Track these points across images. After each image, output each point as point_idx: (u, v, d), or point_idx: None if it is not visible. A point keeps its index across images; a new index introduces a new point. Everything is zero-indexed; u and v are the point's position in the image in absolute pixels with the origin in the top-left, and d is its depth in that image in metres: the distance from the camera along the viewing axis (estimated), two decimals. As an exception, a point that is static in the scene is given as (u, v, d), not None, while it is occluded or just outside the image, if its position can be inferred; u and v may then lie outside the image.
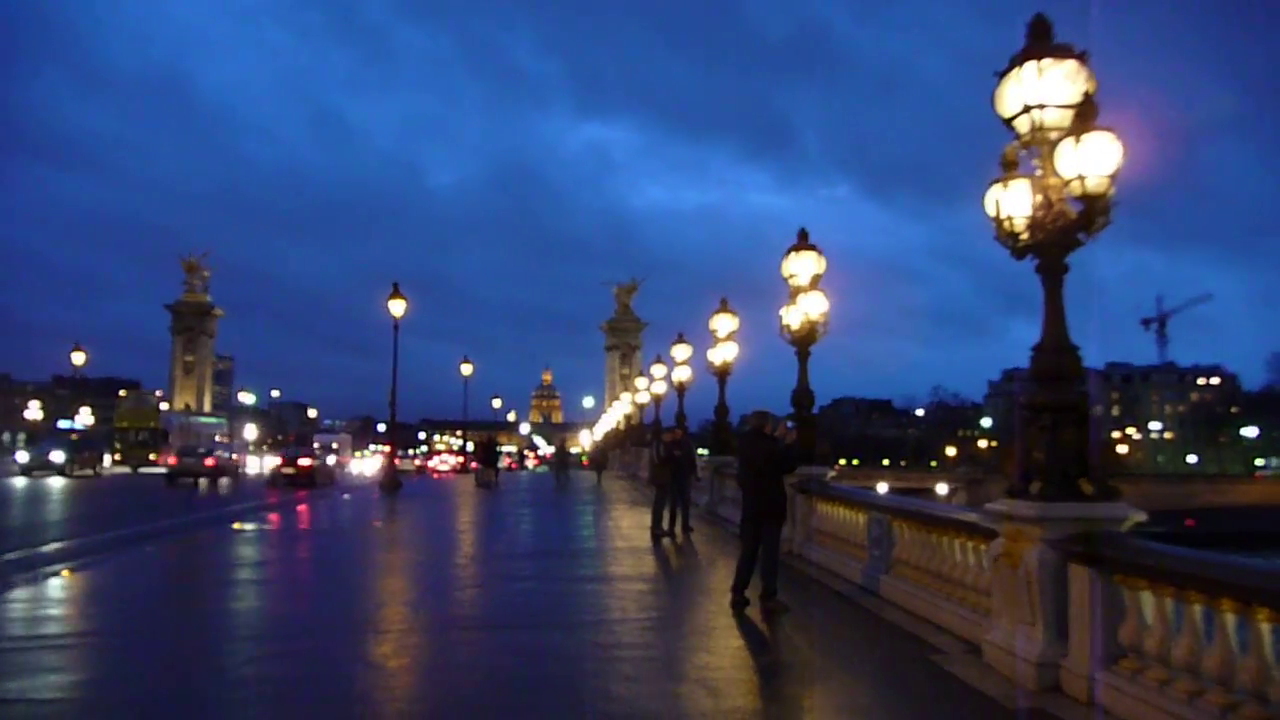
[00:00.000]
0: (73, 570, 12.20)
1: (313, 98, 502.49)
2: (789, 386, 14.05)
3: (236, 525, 18.83)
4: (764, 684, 7.17)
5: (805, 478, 12.82)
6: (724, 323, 22.24)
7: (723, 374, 22.48)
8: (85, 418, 76.53)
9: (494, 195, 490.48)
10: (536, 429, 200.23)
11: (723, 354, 22.37)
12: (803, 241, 14.31)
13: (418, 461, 76.64)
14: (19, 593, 10.45)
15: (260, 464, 60.44)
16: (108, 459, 49.73)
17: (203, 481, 35.77)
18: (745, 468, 10.00)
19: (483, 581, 12.54)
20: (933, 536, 8.87)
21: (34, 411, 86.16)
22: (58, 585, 11.22)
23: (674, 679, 6.90)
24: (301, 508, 24.82)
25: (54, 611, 9.93)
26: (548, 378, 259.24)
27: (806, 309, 13.84)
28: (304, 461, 35.56)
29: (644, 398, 48.38)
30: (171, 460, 37.84)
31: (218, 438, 48.75)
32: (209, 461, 37.59)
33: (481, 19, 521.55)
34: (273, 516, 21.61)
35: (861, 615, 9.38)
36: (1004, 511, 6.79)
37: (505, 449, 68.78)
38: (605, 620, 9.39)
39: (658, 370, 38.42)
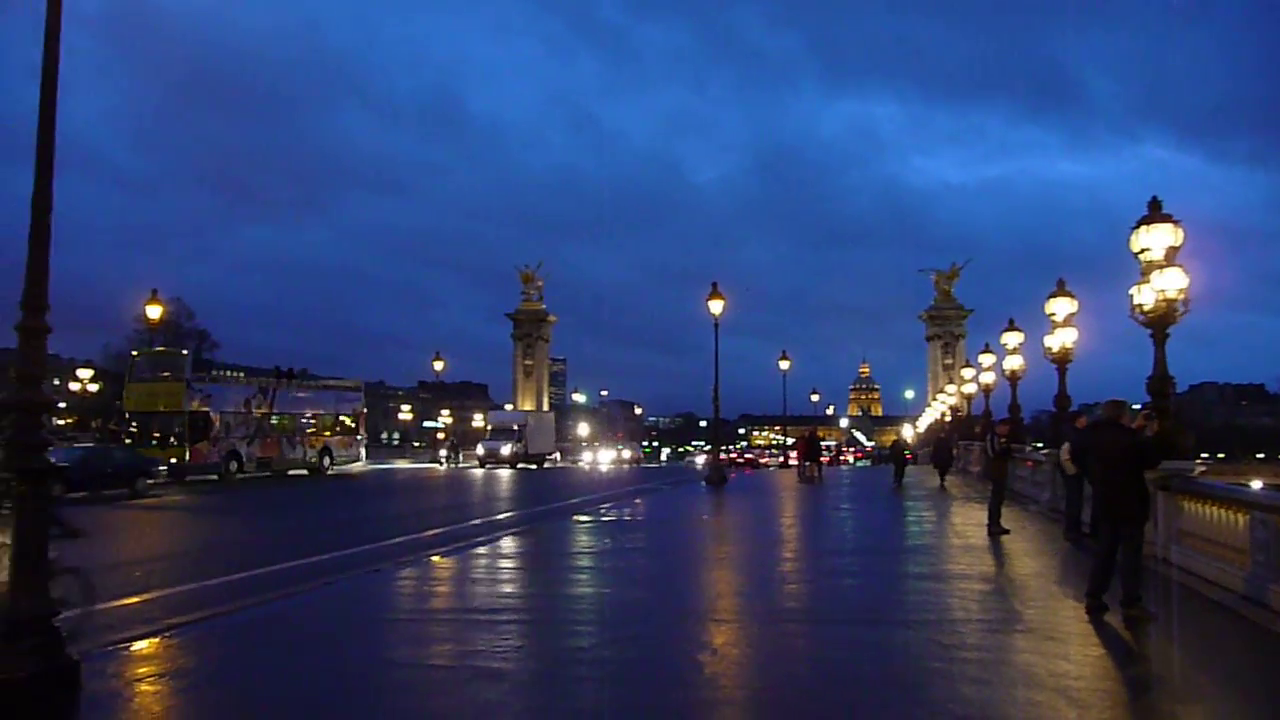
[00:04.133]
0: (442, 555, 13.67)
1: (570, 103, 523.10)
2: (1132, 372, 12.81)
3: (575, 517, 20.17)
4: (1134, 699, 6.54)
5: (1167, 473, 11.56)
6: (1062, 306, 20.66)
7: (1062, 361, 20.87)
8: (445, 418, 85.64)
9: (759, 185, 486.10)
10: (855, 423, 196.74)
11: (1061, 339, 20.78)
12: (1155, 212, 13.02)
13: (746, 457, 77.63)
14: (407, 571, 11.92)
15: (593, 458, 66.44)
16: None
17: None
18: (1099, 462, 9.19)
19: (813, 576, 12.51)
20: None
21: (405, 413, 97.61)
22: (437, 565, 12.64)
23: (1029, 686, 6.47)
24: (636, 500, 26.12)
25: (439, 589, 11.21)
26: (865, 370, 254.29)
27: (1163, 286, 12.52)
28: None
29: (971, 388, 46.11)
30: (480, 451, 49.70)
31: (515, 427, 50.83)
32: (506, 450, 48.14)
33: (710, 1, 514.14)
34: (606, 507, 22.92)
35: (1246, 628, 8.30)
36: None
37: (826, 443, 67.86)
38: (947, 620, 9.00)
39: (985, 359, 36.47)
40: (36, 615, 5.65)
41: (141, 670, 6.95)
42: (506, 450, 48.45)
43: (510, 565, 13.48)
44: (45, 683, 5.61)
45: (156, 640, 7.80)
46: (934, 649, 7.67)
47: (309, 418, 39.88)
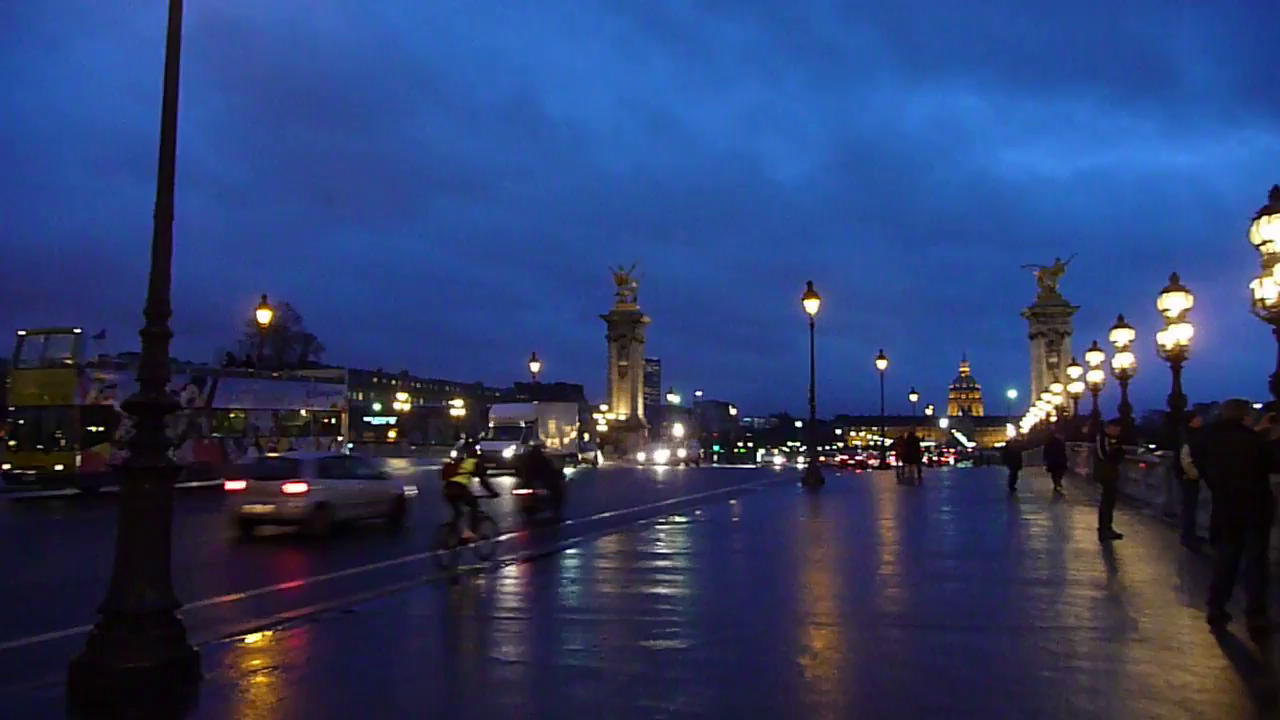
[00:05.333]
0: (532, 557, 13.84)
1: (646, 104, 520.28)
2: (1248, 370, 12.37)
3: (668, 518, 20.18)
4: (1260, 713, 6.21)
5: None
6: (1176, 301, 19.78)
7: (1176, 359, 19.98)
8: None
9: (841, 180, 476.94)
10: (955, 423, 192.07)
11: (1175, 336, 19.90)
12: (1276, 201, 12.35)
13: (857, 459, 76.12)
14: (503, 573, 12.10)
15: (647, 458, 63.25)
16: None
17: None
18: (1220, 466, 8.75)
19: (913, 580, 12.25)
20: None
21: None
22: (531, 567, 12.81)
23: (1146, 697, 6.20)
24: (732, 501, 26.02)
25: (530, 590, 11.35)
26: (965, 369, 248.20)
27: (1289, 279, 11.88)
28: None
29: (1077, 387, 44.56)
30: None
31: (522, 423, 42.60)
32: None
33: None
34: (699, 511, 22.88)
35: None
36: None
37: (925, 444, 66.06)
38: (1056, 626, 8.70)
39: (1093, 357, 35.18)
40: (160, 608, 5.93)
41: (255, 662, 7.22)
42: (509, 453, 38.13)
43: (608, 566, 13.57)
44: (168, 672, 5.87)
45: (270, 633, 8.10)
46: (1043, 657, 7.42)
47: (267, 415, 32.19)
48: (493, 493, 13.55)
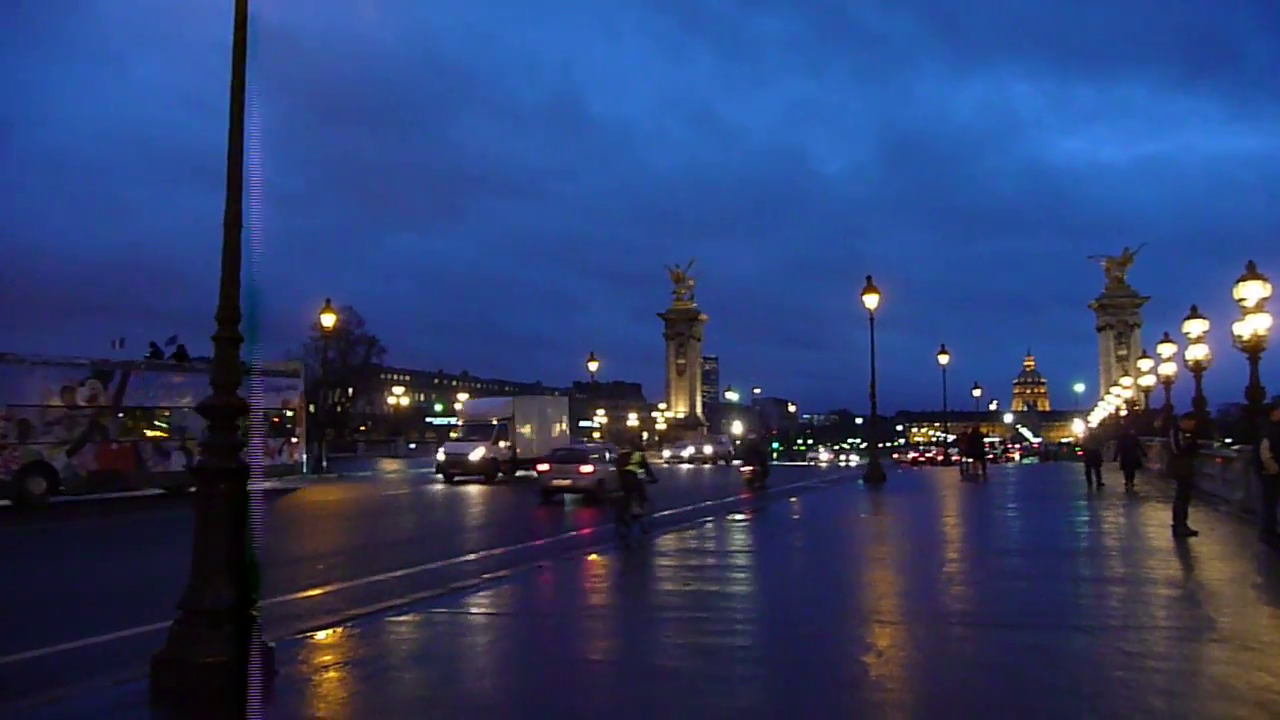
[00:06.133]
0: (599, 554, 13.91)
1: (688, 100, 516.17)
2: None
3: (731, 515, 20.13)
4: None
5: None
6: (1253, 290, 19.22)
7: (1254, 350, 19.40)
8: (600, 418, 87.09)
9: (890, 173, 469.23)
10: (1020, 418, 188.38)
11: (1253, 326, 19.31)
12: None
13: (927, 455, 74.87)
14: (569, 569, 12.19)
15: (671, 454, 60.09)
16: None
17: None
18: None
19: (979, 577, 12.06)
20: None
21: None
22: (594, 562, 12.88)
23: (1225, 698, 6.02)
24: (792, 499, 25.86)
25: (597, 585, 11.42)
26: (1030, 363, 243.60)
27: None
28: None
29: (1148, 380, 43.46)
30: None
31: (494, 421, 35.10)
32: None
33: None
34: (751, 511, 22.77)
35: None
36: None
37: (990, 440, 64.65)
38: (1130, 626, 8.51)
39: (1165, 349, 34.28)
40: (237, 604, 6.09)
41: (326, 658, 7.38)
42: (476, 455, 33.16)
43: (668, 564, 13.59)
44: (244, 666, 6.03)
45: (341, 630, 8.27)
46: (1116, 656, 7.24)
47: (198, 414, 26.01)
48: (653, 479, 16.82)
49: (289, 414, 30.78)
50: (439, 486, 31.45)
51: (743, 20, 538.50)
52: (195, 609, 6.05)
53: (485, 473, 33.15)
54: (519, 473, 34.19)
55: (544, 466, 24.83)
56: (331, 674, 6.90)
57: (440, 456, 34.53)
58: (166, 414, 26.41)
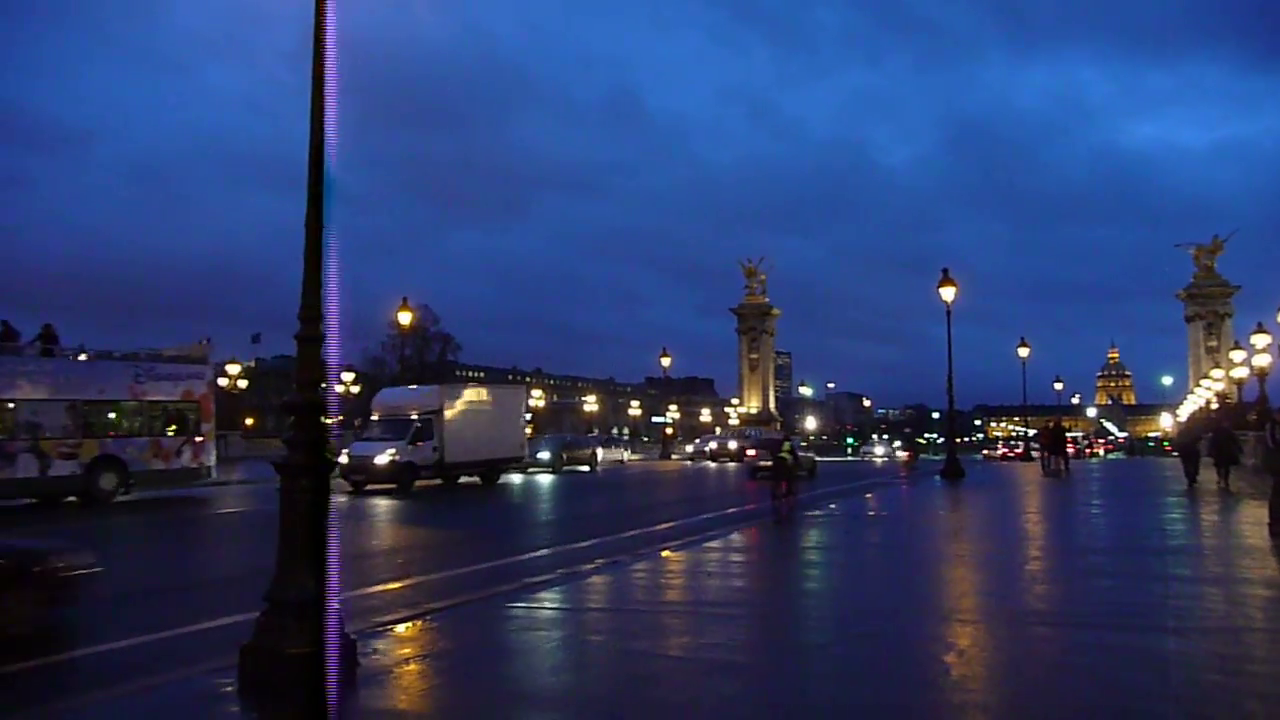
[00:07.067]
0: (673, 550, 13.91)
1: (746, 94, 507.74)
2: None
3: (809, 511, 19.96)
4: None
5: None
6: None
7: (1357, 339, 18.50)
8: (673, 413, 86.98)
9: (954, 163, 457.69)
10: (1105, 412, 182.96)
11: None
12: None
13: (1018, 450, 72.81)
14: (640, 565, 12.23)
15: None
16: None
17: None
18: None
19: (1064, 575, 11.73)
20: None
21: (634, 409, 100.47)
22: (668, 559, 12.89)
23: (1330, 705, 5.78)
24: (867, 495, 25.55)
25: (673, 581, 11.42)
26: (1114, 356, 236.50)
27: None
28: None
29: (1241, 372, 41.83)
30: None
31: (412, 415, 28.96)
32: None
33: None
34: (833, 505, 22.52)
35: None
36: None
37: (1072, 434, 62.77)
38: (1226, 628, 8.18)
39: (1259, 339, 32.96)
40: (321, 596, 6.24)
41: (405, 650, 7.51)
42: (384, 458, 27.00)
43: (741, 560, 13.53)
44: (328, 657, 6.17)
45: (420, 623, 8.42)
46: (1211, 660, 6.98)
47: (57, 408, 22.47)
48: (802, 466, 22.09)
49: (190, 407, 25.16)
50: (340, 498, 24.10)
51: (797, 12, 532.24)
52: (281, 600, 6.21)
53: (397, 481, 27.08)
54: (462, 479, 29.07)
55: (751, 452, 33.55)
56: (411, 666, 7.02)
57: (343, 459, 26.08)
58: (9, 407, 21.66)
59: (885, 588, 11.07)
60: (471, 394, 32.65)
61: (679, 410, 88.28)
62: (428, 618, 8.61)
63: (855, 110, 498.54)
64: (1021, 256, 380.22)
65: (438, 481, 29.30)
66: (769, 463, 24.81)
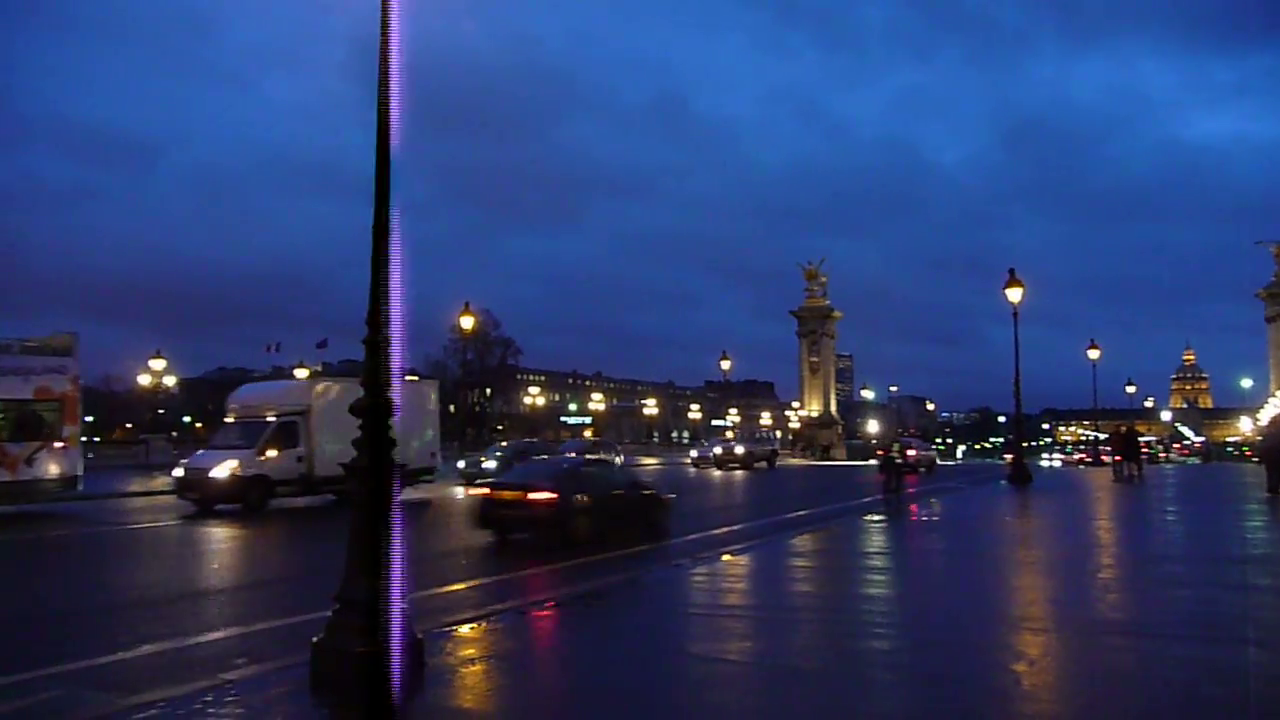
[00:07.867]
0: (734, 554, 13.85)
1: (794, 95, 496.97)
2: None
3: (867, 516, 19.72)
4: None
5: None
6: None
7: None
8: (734, 417, 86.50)
9: (1010, 161, 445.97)
10: (1180, 416, 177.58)
11: None
12: None
13: (1080, 455, 70.89)
14: (700, 569, 12.20)
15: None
16: None
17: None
18: None
19: (1138, 585, 11.41)
20: None
21: (694, 413, 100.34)
22: (729, 563, 12.84)
23: None
24: (931, 500, 25.14)
25: (734, 585, 11.38)
26: (1189, 358, 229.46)
27: None
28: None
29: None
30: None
31: (270, 417, 22.54)
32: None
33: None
34: (910, 508, 22.22)
35: None
36: None
37: (1146, 439, 60.82)
38: (1309, 640, 7.90)
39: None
40: (385, 596, 6.34)
41: (470, 651, 7.60)
42: (222, 471, 21.18)
43: (803, 565, 13.42)
44: (396, 657, 6.27)
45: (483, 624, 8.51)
46: (1298, 674, 6.74)
47: None
48: (910, 465, 25.40)
49: (47, 407, 21.00)
50: (169, 522, 19.20)
51: (842, 11, 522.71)
52: (349, 600, 6.32)
53: (243, 499, 21.14)
54: (268, 500, 21.52)
55: (881, 451, 33.26)
56: (476, 666, 7.10)
57: (178, 472, 22.65)
58: None
59: (952, 595, 10.88)
60: (355, 388, 22.31)
61: (739, 413, 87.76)
62: (492, 619, 8.69)
63: (906, 108, 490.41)
64: (1084, 255, 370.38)
65: (302, 501, 22.58)
66: (895, 459, 26.60)
